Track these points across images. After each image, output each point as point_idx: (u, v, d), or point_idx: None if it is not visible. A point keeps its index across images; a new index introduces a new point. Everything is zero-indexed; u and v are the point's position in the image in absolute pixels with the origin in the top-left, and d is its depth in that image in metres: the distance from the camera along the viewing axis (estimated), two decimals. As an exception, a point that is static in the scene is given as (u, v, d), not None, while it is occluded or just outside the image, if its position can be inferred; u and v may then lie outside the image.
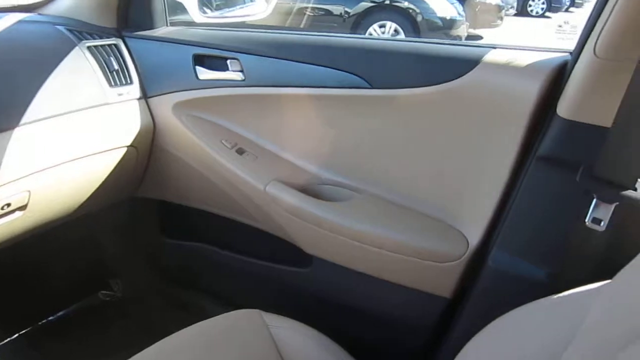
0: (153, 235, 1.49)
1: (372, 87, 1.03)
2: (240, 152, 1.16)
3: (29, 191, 1.05)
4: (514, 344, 0.72)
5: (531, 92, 0.90)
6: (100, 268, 1.58)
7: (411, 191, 1.06)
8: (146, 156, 1.27)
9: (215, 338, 0.97)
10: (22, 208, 1.07)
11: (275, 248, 1.17)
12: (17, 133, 1.00)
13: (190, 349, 0.94)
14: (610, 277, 0.66)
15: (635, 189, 0.84)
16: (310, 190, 1.11)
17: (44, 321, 1.50)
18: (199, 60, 1.17)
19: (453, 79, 0.96)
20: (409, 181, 1.07)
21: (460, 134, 0.99)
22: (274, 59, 1.10)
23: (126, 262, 1.58)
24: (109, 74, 1.16)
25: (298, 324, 1.02)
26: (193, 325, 0.99)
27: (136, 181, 1.34)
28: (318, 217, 1.05)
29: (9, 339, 1.42)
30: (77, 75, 1.11)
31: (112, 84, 1.16)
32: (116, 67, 1.18)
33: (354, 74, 1.04)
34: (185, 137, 1.20)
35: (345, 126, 1.09)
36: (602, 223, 0.87)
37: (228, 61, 1.14)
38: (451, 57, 0.99)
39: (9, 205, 1.03)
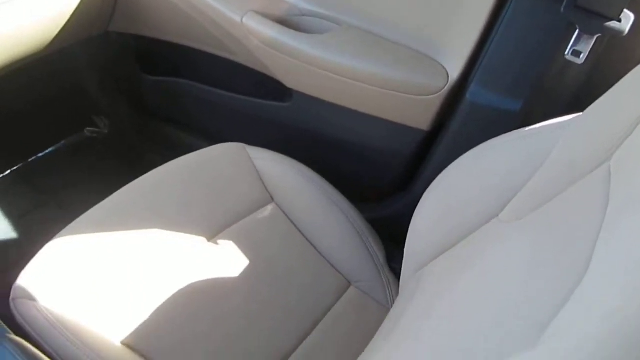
0: (131, 72, 1.46)
1: None
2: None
3: None
4: (482, 174, 0.76)
5: None
6: (84, 105, 1.58)
7: (393, 22, 1.03)
8: None
9: (200, 169, 1.01)
10: None
11: (256, 82, 1.16)
12: None
13: (176, 180, 0.98)
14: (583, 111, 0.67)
15: (620, 20, 0.82)
16: (288, 22, 1.07)
17: (33, 158, 1.53)
18: None
19: None
20: (390, 12, 1.03)
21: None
22: None
23: (109, 100, 1.57)
24: None
25: (281, 156, 1.06)
26: (178, 159, 1.02)
27: (106, 15, 1.27)
28: (297, 50, 1.03)
29: (2, 174, 1.47)
30: None
31: None
32: None
33: None
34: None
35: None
36: (581, 55, 0.86)
37: None
38: None
39: None
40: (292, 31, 1.04)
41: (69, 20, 1.14)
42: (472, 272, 0.64)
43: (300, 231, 0.99)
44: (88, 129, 1.61)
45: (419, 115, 1.02)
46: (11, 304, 0.78)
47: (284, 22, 1.07)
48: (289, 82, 1.10)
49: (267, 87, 1.15)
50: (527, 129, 0.74)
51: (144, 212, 0.92)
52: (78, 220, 0.88)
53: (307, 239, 0.98)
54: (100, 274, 0.82)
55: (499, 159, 0.74)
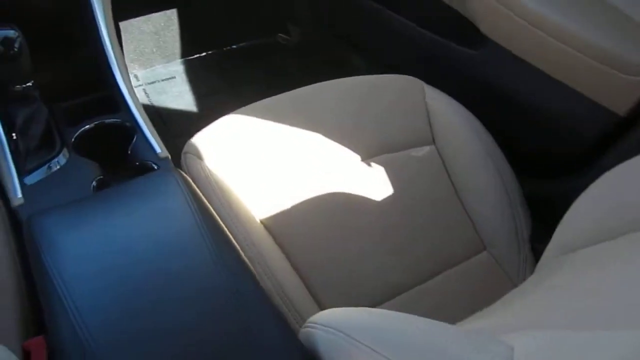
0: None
1: None
2: None
3: None
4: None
5: None
6: (281, 10, 1.66)
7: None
8: None
9: (372, 92, 1.02)
10: None
11: (448, 21, 1.12)
12: None
13: (349, 95, 1.01)
14: None
15: None
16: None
17: (226, 48, 1.67)
18: None
19: None
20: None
21: None
22: None
23: (303, 10, 1.64)
24: None
25: (455, 103, 1.03)
26: (355, 77, 1.04)
27: None
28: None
29: (197, 55, 1.63)
30: None
31: None
32: None
33: None
34: None
35: None
36: None
37: None
38: None
39: None
40: None
41: None
42: (630, 267, 0.57)
43: (451, 181, 0.96)
44: (280, 34, 1.70)
45: (618, 96, 0.91)
46: (182, 157, 0.88)
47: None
48: (487, 28, 1.04)
49: (459, 29, 1.10)
50: None
51: (312, 113, 0.96)
52: (251, 105, 0.96)
53: (456, 190, 0.96)
54: (259, 155, 0.89)
55: None
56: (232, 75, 1.59)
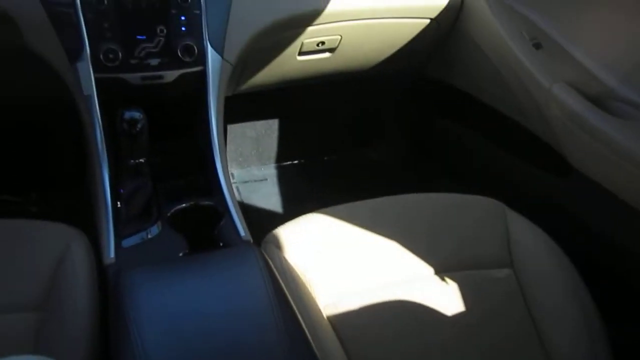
0: (425, 113, 1.58)
1: None
2: (537, 46, 1.11)
3: (340, 36, 1.21)
4: None
5: None
6: (372, 127, 1.77)
7: None
8: (445, 34, 1.32)
9: (455, 209, 1.03)
10: (332, 50, 1.26)
11: (537, 151, 1.14)
12: None
13: (432, 209, 1.03)
14: None
15: None
16: (598, 103, 1.02)
17: (319, 158, 1.77)
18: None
19: None
20: None
21: None
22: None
23: (393, 130, 1.73)
24: None
25: (538, 229, 1.01)
26: (439, 194, 1.07)
27: (429, 56, 1.41)
28: (599, 130, 0.97)
29: (290, 162, 1.74)
30: None
31: None
32: None
33: None
34: (488, 22, 1.20)
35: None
36: None
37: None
38: None
39: (323, 43, 1.22)
40: (600, 110, 0.99)
41: (398, 50, 1.31)
42: None
43: (528, 308, 0.92)
44: (369, 150, 1.79)
45: None
46: (262, 246, 0.93)
47: (595, 102, 1.02)
48: (576, 161, 1.05)
49: (546, 159, 1.11)
50: None
51: (391, 221, 0.99)
52: (334, 207, 1.00)
53: (532, 318, 0.91)
54: (335, 254, 0.91)
55: None
56: (320, 184, 1.68)
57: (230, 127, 1.63)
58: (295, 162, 1.75)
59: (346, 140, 1.78)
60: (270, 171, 1.72)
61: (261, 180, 1.68)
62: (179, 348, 0.56)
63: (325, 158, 1.77)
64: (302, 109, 1.68)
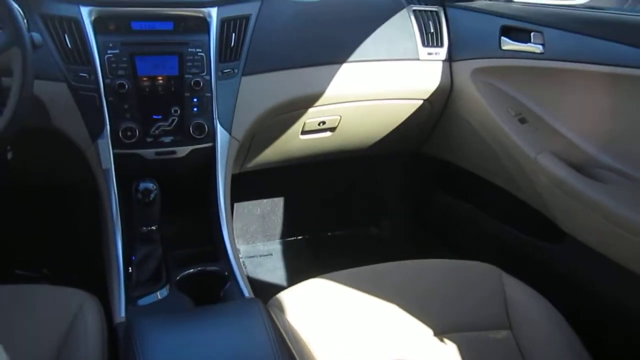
0: (424, 188, 1.65)
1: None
2: (523, 121, 1.20)
3: (340, 116, 1.31)
4: None
5: None
6: (375, 206, 1.83)
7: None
8: (438, 113, 1.42)
9: (452, 274, 1.07)
10: (333, 129, 1.35)
11: (529, 218, 1.19)
12: (343, 67, 1.25)
13: (430, 275, 1.06)
14: None
15: None
16: (582, 170, 1.09)
17: (322, 234, 1.82)
18: (506, 31, 1.24)
19: None
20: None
21: None
22: (578, 35, 1.09)
23: (397, 207, 1.79)
24: (424, 35, 1.33)
25: (535, 293, 1.04)
26: (437, 259, 1.11)
27: (424, 135, 1.51)
28: (584, 195, 1.03)
29: (295, 237, 1.80)
30: (399, 32, 1.32)
31: (425, 44, 1.33)
32: (432, 30, 1.35)
33: None
34: (477, 101, 1.30)
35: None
36: None
37: (532, 34, 1.18)
38: None
39: (324, 123, 1.32)
40: (584, 177, 1.06)
41: (395, 129, 1.40)
42: None
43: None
44: (373, 227, 1.85)
45: None
46: (267, 307, 0.96)
47: (578, 169, 1.09)
48: (566, 225, 1.10)
49: (538, 225, 1.16)
50: None
51: (390, 286, 1.02)
52: (335, 272, 1.04)
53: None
54: (336, 318, 0.94)
55: None
56: (324, 259, 1.72)
57: (237, 205, 1.70)
58: (300, 237, 1.80)
59: (349, 216, 1.84)
60: (275, 246, 1.77)
61: (266, 255, 1.73)
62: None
63: (329, 234, 1.83)
64: (306, 186, 1.76)
